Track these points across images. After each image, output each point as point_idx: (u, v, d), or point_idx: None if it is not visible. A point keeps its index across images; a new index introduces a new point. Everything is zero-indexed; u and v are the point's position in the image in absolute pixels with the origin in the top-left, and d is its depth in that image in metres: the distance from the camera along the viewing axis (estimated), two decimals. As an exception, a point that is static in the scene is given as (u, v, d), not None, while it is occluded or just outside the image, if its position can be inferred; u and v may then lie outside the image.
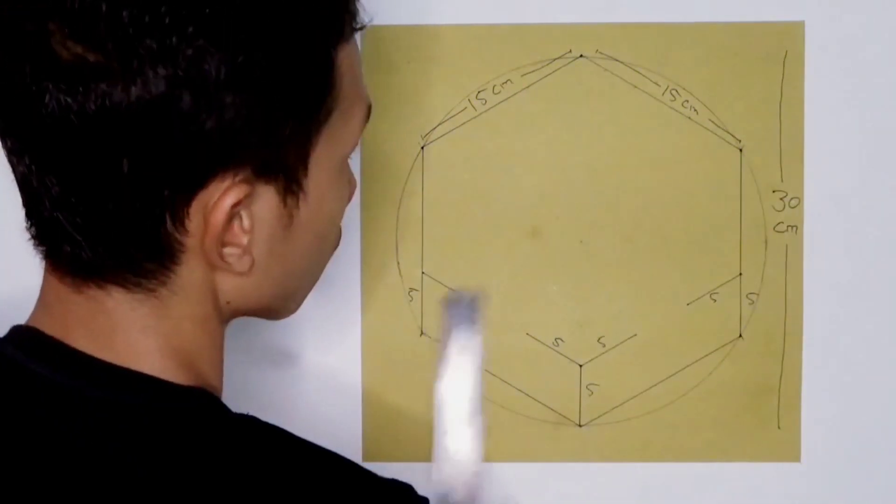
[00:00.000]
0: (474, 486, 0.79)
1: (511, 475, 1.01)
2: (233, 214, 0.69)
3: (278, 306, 0.79)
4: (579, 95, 1.01)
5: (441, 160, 1.01)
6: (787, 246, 1.01)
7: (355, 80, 0.74)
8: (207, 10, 0.65)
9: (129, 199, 0.67)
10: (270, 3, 0.67)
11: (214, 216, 0.68)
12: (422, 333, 1.01)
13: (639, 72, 1.00)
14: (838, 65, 1.00)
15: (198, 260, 0.70)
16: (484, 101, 1.01)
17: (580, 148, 1.01)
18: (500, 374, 1.01)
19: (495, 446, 0.92)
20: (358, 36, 0.75)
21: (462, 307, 0.81)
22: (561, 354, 1.01)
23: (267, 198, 0.70)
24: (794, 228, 1.01)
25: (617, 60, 1.00)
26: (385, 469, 0.74)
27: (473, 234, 1.01)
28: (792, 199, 1.01)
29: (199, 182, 0.67)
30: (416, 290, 1.01)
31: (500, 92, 1.01)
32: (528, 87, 1.00)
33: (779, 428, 1.01)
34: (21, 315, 0.74)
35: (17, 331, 0.74)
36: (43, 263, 0.72)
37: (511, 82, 1.00)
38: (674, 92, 1.00)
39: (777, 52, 1.00)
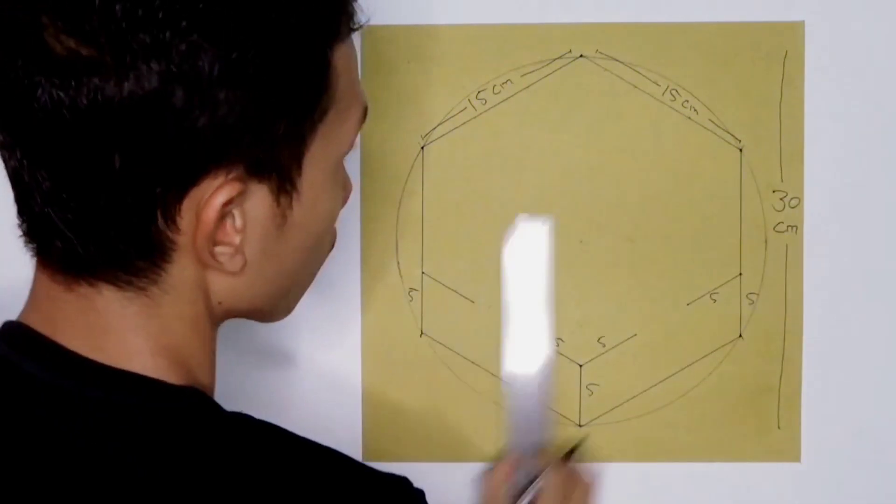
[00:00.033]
0: (545, 373, 0.79)
1: (511, 475, 1.01)
2: (225, 213, 0.69)
3: (271, 308, 0.79)
4: (579, 95, 1.00)
5: (441, 160, 1.01)
6: (787, 246, 1.01)
7: (352, 80, 0.74)
8: (201, 6, 0.64)
9: (120, 195, 0.66)
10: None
11: (206, 214, 0.68)
12: (422, 333, 1.01)
13: (639, 72, 1.00)
14: (838, 65, 1.00)
15: (189, 258, 0.70)
16: (484, 101, 1.01)
17: (580, 148, 1.01)
18: (499, 374, 1.00)
19: (495, 446, 0.91)
20: (357, 36, 0.74)
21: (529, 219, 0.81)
22: (561, 354, 1.01)
23: (260, 197, 0.70)
24: (794, 228, 1.01)
25: (617, 60, 1.00)
26: (385, 469, 0.74)
27: (473, 234, 1.01)
28: (792, 199, 1.01)
29: (191, 179, 0.67)
30: (416, 290, 1.01)
31: (500, 92, 1.01)
32: (528, 87, 1.00)
33: (779, 428, 1.01)
34: (13, 312, 0.74)
35: (7, 327, 0.73)
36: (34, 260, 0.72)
37: (511, 82, 1.00)
38: (674, 92, 1.00)
39: (777, 52, 1.00)
